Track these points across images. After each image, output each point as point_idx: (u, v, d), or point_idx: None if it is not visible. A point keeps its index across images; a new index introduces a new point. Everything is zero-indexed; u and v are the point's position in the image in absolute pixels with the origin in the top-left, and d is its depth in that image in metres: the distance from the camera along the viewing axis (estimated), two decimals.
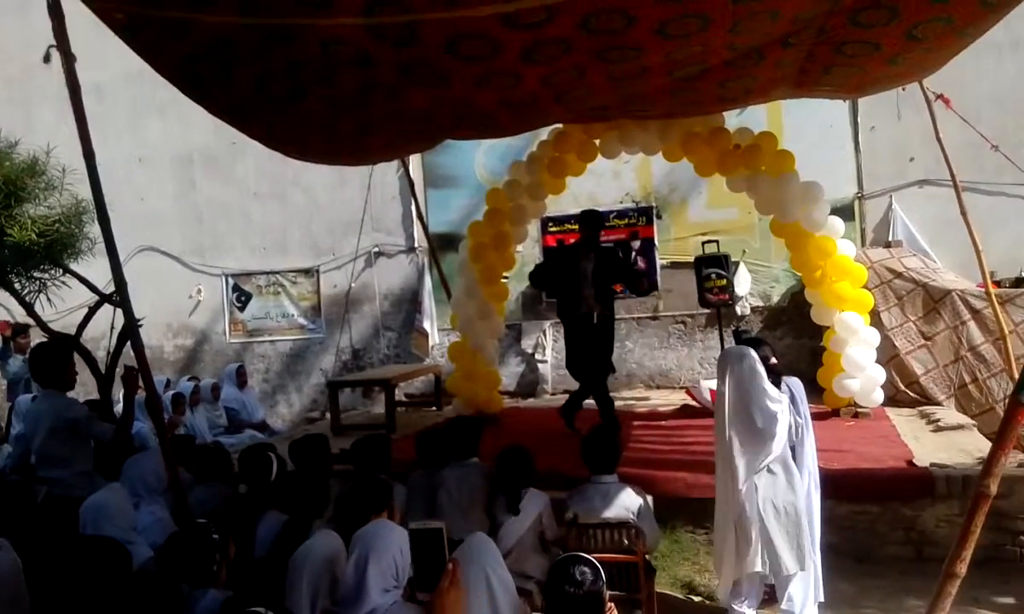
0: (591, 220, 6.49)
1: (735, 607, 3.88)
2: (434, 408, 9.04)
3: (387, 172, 10.01)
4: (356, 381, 9.27)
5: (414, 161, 9.56)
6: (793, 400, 3.84)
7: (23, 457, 4.05)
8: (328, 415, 8.29)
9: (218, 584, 2.87)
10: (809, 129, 8.22)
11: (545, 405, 9.11)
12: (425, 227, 9.41)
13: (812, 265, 6.51)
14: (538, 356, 9.89)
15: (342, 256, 10.60)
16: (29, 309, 5.10)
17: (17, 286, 5.06)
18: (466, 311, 7.59)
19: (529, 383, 9.90)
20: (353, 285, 10.54)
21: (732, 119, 6.74)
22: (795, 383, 3.93)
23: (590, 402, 6.55)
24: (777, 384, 3.80)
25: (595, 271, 6.26)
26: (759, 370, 3.72)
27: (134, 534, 3.10)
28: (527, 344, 9.92)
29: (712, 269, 7.32)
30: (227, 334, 11.03)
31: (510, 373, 9.72)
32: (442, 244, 9.46)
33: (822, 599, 3.91)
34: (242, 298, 10.98)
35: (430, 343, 10.05)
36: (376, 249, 10.47)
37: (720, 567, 3.99)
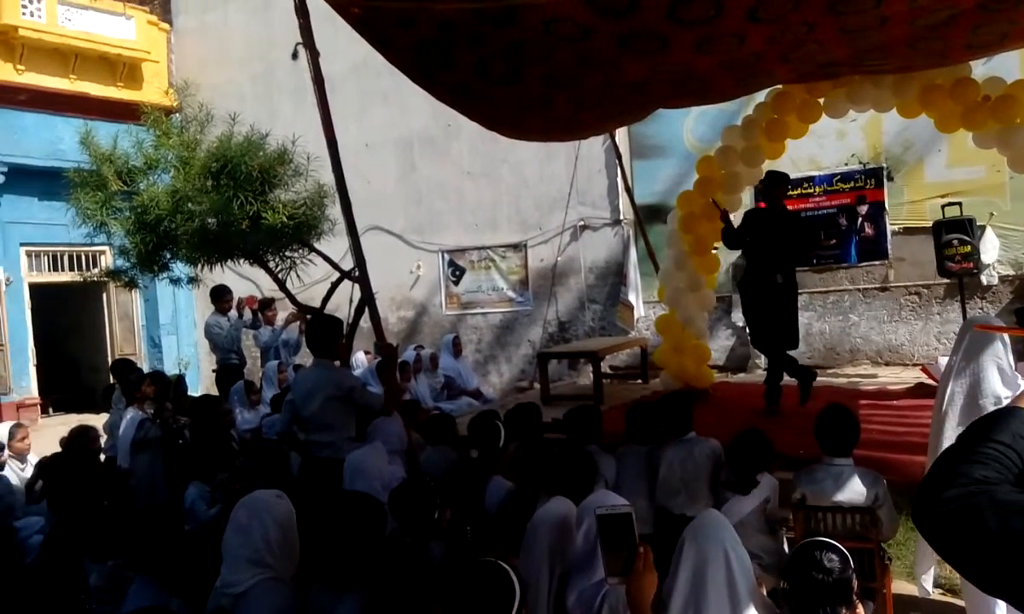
0: (770, 181, 6.22)
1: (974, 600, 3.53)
2: (639, 381, 9.00)
3: (593, 145, 10.04)
4: (564, 353, 9.44)
5: (620, 132, 9.48)
6: None
7: (294, 422, 4.49)
8: (536, 385, 8.52)
9: (440, 536, 3.06)
10: None
11: (757, 380, 8.77)
12: (632, 198, 9.32)
13: None
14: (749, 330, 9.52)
15: (549, 230, 10.81)
16: (282, 285, 5.70)
17: (272, 265, 5.66)
18: (675, 283, 7.46)
19: (740, 357, 9.58)
20: (559, 259, 10.73)
21: (978, 68, 6.03)
22: None
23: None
24: None
25: (776, 235, 5.97)
26: (1001, 350, 3.28)
27: (383, 492, 3.37)
28: (737, 317, 9.59)
29: (954, 234, 6.65)
30: (443, 306, 11.67)
31: (720, 346, 9.46)
32: (648, 216, 9.34)
33: None
34: (456, 272, 11.55)
35: (635, 316, 10.00)
36: (581, 223, 10.56)
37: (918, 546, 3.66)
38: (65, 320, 13.46)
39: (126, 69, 12.54)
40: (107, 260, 12.13)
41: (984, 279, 7.89)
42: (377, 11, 4.10)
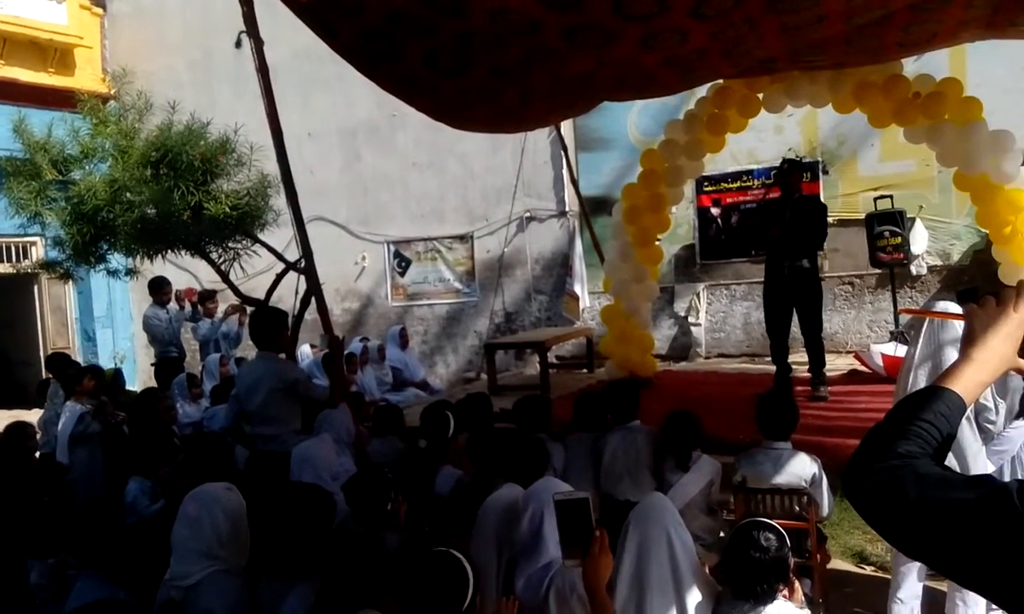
0: (785, 169, 6.29)
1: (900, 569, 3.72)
2: (585, 370, 9.12)
3: (539, 137, 10.10)
4: (511, 343, 9.51)
5: (566, 125, 9.54)
6: None
7: (239, 416, 4.44)
8: (483, 376, 8.57)
9: (394, 527, 3.08)
10: (997, 73, 7.50)
11: (699, 368, 8.99)
12: (578, 190, 9.41)
13: (1001, 221, 5.98)
14: (691, 319, 9.74)
15: (495, 222, 10.84)
16: (224, 277, 5.61)
17: (214, 256, 5.56)
18: (620, 274, 7.57)
19: (682, 346, 9.78)
20: (506, 250, 10.77)
21: (910, 65, 6.26)
22: None
23: (750, 366, 6.40)
24: None
25: (796, 222, 6.03)
26: (959, 330, 3.45)
27: (332, 483, 3.38)
28: (680, 307, 9.78)
29: (885, 226, 6.92)
30: (389, 298, 11.61)
31: (662, 336, 9.64)
32: (593, 207, 9.43)
33: None
34: (402, 264, 11.50)
35: (581, 306, 10.10)
36: (528, 214, 10.62)
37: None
38: None
39: (57, 55, 12.08)
40: (38, 251, 11.70)
41: (914, 269, 8.22)
42: (324, 1, 4.07)
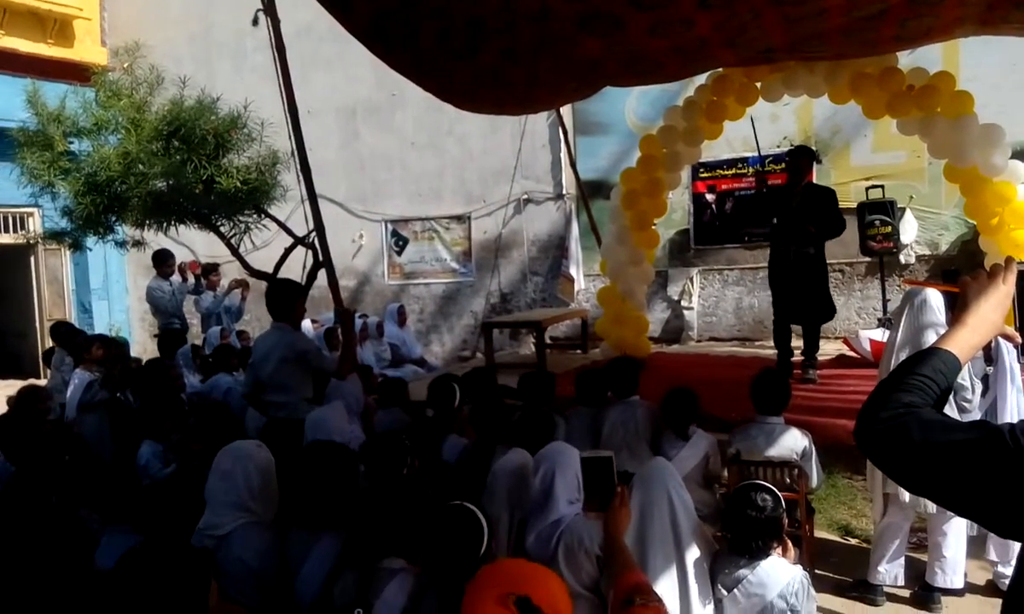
0: (796, 154, 6.39)
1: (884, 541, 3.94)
2: (579, 351, 9.30)
3: (538, 120, 10.21)
4: (508, 323, 9.66)
5: (565, 109, 9.67)
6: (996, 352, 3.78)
7: (255, 384, 4.58)
8: (479, 354, 8.72)
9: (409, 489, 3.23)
10: (989, 68, 7.68)
11: (691, 351, 9.19)
12: (576, 174, 9.54)
13: (988, 212, 6.17)
14: (684, 303, 9.93)
15: (492, 203, 10.96)
16: (234, 250, 5.72)
17: (224, 230, 5.67)
18: (616, 257, 7.72)
19: (674, 329, 9.96)
20: (503, 231, 10.91)
21: (904, 58, 6.41)
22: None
23: (740, 350, 6.57)
24: None
25: (802, 209, 6.11)
26: (941, 320, 3.65)
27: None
28: (673, 291, 9.96)
29: (876, 215, 7.09)
30: (386, 276, 11.72)
31: (655, 319, 9.81)
32: (590, 191, 9.57)
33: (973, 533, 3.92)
34: (400, 243, 11.62)
35: (576, 288, 10.27)
36: (525, 196, 10.75)
37: (872, 488, 4.10)
38: None
39: (57, 26, 12.07)
40: (35, 222, 11.74)
41: (903, 258, 8.42)
42: None
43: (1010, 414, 3.96)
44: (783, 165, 8.91)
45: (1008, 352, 3.89)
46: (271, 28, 4.42)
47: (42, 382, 6.13)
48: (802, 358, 6.55)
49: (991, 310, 1.43)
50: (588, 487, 2.38)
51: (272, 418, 4.42)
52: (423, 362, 9.46)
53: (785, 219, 6.18)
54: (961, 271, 6.81)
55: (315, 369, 4.63)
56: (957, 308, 1.46)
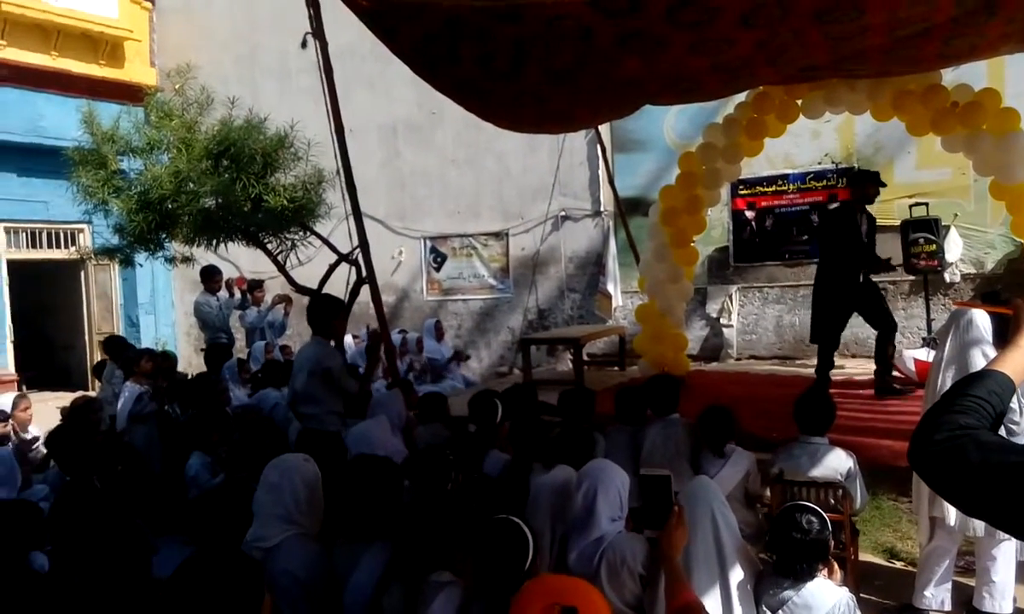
0: (865, 179, 6.41)
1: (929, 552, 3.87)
2: (616, 368, 9.27)
3: (576, 138, 10.27)
4: (547, 339, 9.68)
5: (604, 126, 9.71)
6: None
7: (293, 395, 4.68)
8: (516, 370, 8.74)
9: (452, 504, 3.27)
10: None
11: (730, 369, 9.12)
12: (615, 190, 9.56)
13: None
14: (723, 320, 9.86)
15: (530, 220, 11.03)
16: (280, 266, 5.85)
17: (271, 246, 5.81)
18: (655, 274, 7.71)
19: (713, 347, 9.90)
20: (540, 248, 10.96)
21: (948, 75, 6.33)
22: None
23: (780, 369, 6.52)
24: None
25: (867, 234, 6.25)
26: (986, 341, 3.60)
27: None
28: (712, 308, 9.91)
29: (920, 233, 6.99)
30: (424, 292, 11.84)
31: (694, 336, 9.76)
32: (628, 208, 9.58)
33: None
34: (438, 259, 11.73)
35: (613, 305, 10.27)
36: (563, 213, 10.79)
37: (918, 510, 4.01)
38: (40, 298, 13.37)
39: (108, 47, 12.47)
40: (86, 238, 12.10)
41: (947, 276, 8.28)
42: (385, 4, 4.27)
43: None
44: (823, 183, 8.89)
45: None
46: (319, 51, 4.53)
47: (91, 394, 6.29)
48: (878, 373, 6.58)
49: None
50: (646, 504, 2.39)
51: (305, 428, 4.52)
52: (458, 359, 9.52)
53: (855, 245, 6.20)
54: (1005, 291, 6.69)
55: (342, 390, 4.72)
56: (1011, 330, 1.46)
